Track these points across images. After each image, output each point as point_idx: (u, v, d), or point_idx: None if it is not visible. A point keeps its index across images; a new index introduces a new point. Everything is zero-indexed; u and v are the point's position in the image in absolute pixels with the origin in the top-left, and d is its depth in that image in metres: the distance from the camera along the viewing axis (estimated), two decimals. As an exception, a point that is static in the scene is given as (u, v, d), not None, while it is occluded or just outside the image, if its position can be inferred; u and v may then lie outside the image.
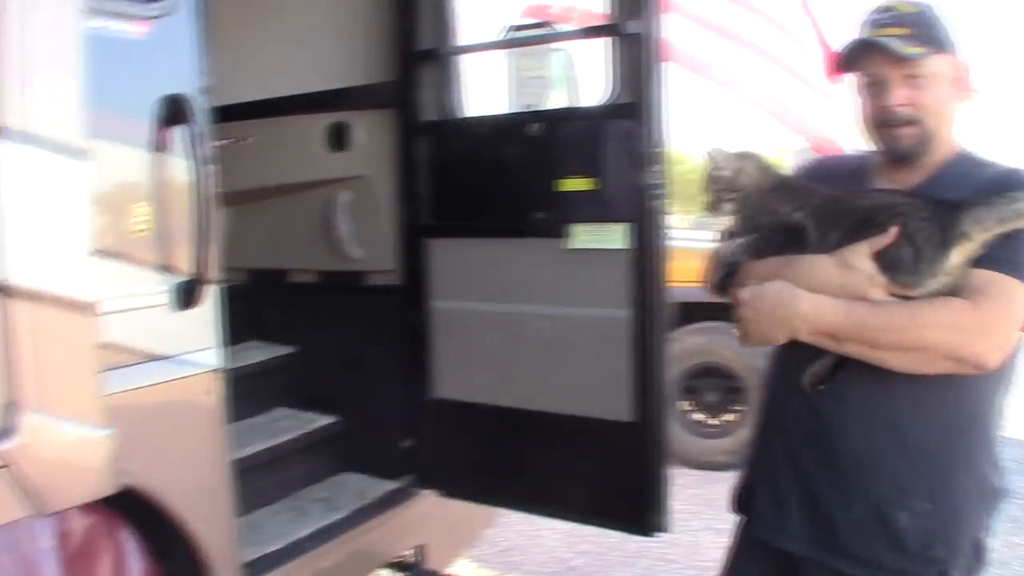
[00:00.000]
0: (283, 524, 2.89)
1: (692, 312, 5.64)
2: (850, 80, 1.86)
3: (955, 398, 1.77)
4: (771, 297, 1.70)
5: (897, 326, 1.64)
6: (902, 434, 1.76)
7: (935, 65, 1.75)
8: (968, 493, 1.79)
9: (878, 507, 1.78)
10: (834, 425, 1.81)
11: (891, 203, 1.70)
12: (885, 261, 1.66)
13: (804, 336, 1.70)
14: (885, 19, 1.78)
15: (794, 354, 1.78)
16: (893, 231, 1.65)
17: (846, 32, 1.87)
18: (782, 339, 1.72)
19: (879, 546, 1.78)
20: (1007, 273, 1.64)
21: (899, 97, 1.76)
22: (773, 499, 1.92)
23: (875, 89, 1.79)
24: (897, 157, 1.81)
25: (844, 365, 1.76)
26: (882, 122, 1.79)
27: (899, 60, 1.73)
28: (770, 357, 2.03)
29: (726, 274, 1.82)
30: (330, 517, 2.96)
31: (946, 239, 1.62)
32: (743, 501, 2.06)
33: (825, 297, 1.67)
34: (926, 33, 1.75)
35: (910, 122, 1.76)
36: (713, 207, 1.81)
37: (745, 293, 1.72)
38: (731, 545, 2.12)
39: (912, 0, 1.81)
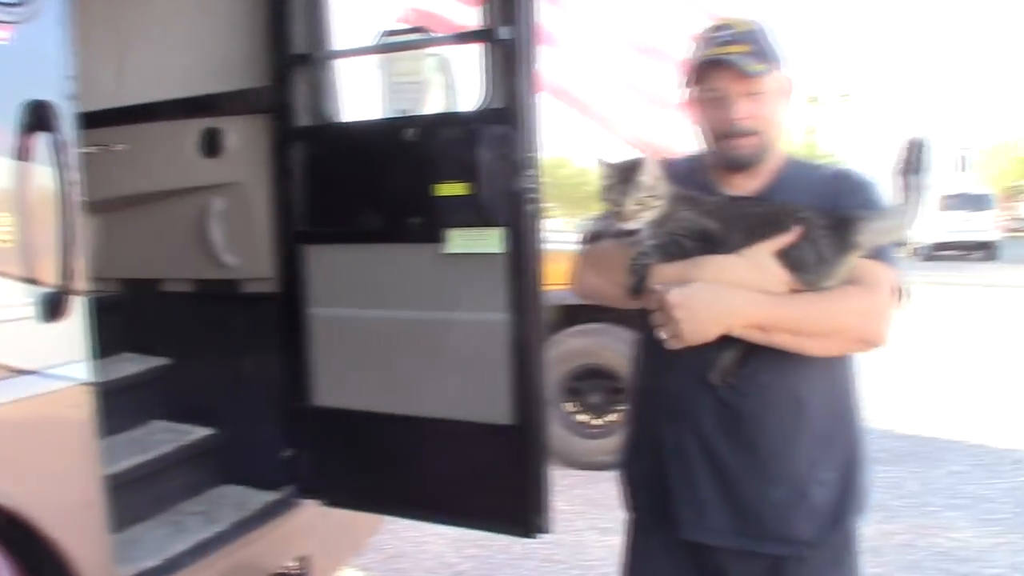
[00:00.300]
0: (160, 539, 2.83)
1: (575, 314, 5.71)
2: (690, 93, 1.97)
3: (838, 376, 1.95)
4: (705, 296, 1.74)
5: (819, 314, 1.77)
6: (807, 413, 1.90)
7: (772, 80, 1.89)
8: (856, 460, 1.96)
9: (795, 485, 1.89)
10: (751, 414, 1.90)
11: (792, 209, 1.81)
12: (788, 260, 1.76)
13: (737, 330, 1.77)
14: (726, 37, 1.88)
15: (695, 352, 1.81)
16: (795, 232, 1.76)
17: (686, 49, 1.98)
18: (715, 335, 1.76)
19: (800, 522, 1.90)
20: (881, 261, 1.81)
21: (742, 111, 1.87)
22: (690, 497, 1.96)
23: (719, 103, 1.90)
24: (738, 166, 1.93)
25: (747, 357, 1.84)
26: (725, 133, 1.90)
27: (743, 77, 1.85)
28: (648, 360, 2.07)
29: (640, 279, 1.84)
30: (209, 530, 2.90)
31: (844, 246, 1.76)
32: (649, 504, 2.09)
33: (753, 292, 1.75)
34: (763, 50, 1.88)
35: (751, 134, 1.89)
36: (631, 215, 1.81)
37: (676, 295, 1.74)
38: (632, 545, 2.16)
39: (746, 18, 1.95)
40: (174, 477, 3.16)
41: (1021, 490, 5.42)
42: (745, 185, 1.95)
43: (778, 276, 1.76)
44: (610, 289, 1.93)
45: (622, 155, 1.88)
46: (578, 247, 2.07)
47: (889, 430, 6.80)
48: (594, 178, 1.89)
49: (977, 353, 10.20)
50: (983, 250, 26.40)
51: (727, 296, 1.75)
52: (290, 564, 3.11)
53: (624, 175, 1.81)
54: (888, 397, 7.67)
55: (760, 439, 1.90)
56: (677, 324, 1.74)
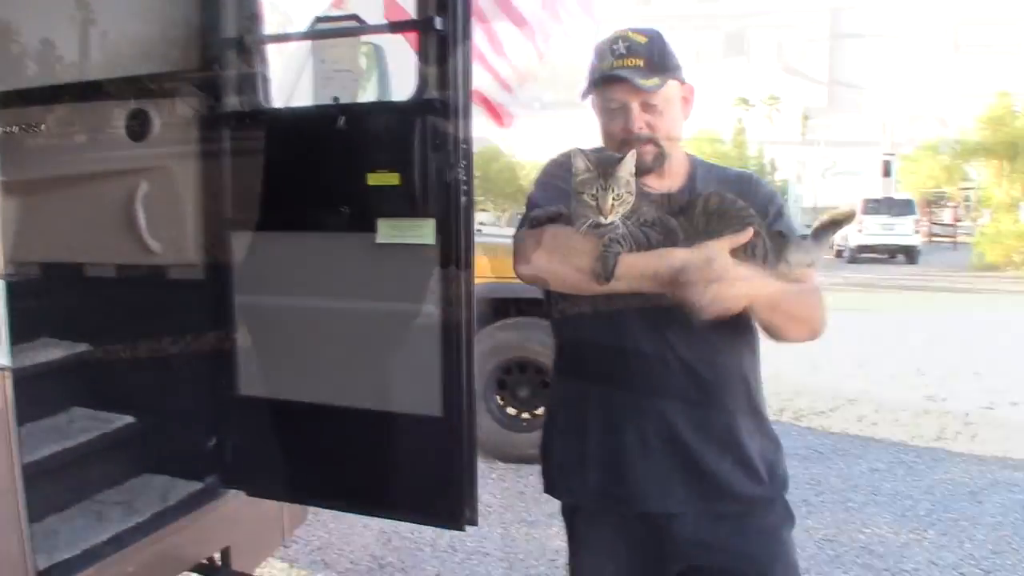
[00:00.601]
0: (80, 530, 2.76)
1: (504, 307, 5.72)
2: (591, 102, 2.08)
3: (757, 356, 2.15)
4: (741, 270, 1.85)
5: (802, 301, 1.98)
6: (748, 387, 2.11)
7: (667, 91, 2.00)
8: (767, 423, 2.17)
9: (740, 451, 2.07)
10: (712, 391, 2.04)
11: (745, 211, 1.92)
12: (738, 258, 1.87)
13: (756, 303, 1.90)
14: (621, 50, 2.00)
15: (655, 335, 1.97)
16: (748, 232, 1.88)
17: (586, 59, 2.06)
18: (742, 306, 1.87)
19: (746, 481, 2.07)
20: None
21: (639, 122, 1.99)
22: (652, 471, 2.05)
23: (616, 113, 2.01)
24: (640, 171, 1.98)
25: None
26: (625, 141, 1.99)
27: (638, 90, 1.96)
28: (595, 346, 2.10)
29: (612, 267, 1.87)
30: (130, 521, 2.84)
31: (779, 257, 1.91)
32: (596, 485, 2.12)
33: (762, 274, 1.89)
34: (658, 62, 2.00)
35: (648, 141, 2.00)
36: (611, 211, 1.84)
37: (722, 265, 1.82)
38: (573, 535, 2.23)
39: (642, 29, 2.05)
40: (95, 466, 3.09)
41: (939, 488, 5.55)
42: (660, 184, 2.05)
43: (729, 271, 1.86)
44: (570, 274, 1.96)
45: (599, 148, 1.96)
46: (525, 230, 2.07)
47: (811, 427, 6.95)
48: (529, 172, 1.92)
49: (899, 353, 10.42)
50: (905, 254, 27.04)
51: (756, 273, 1.88)
52: (213, 555, 3.08)
53: (604, 170, 1.86)
54: (811, 395, 7.82)
55: (716, 412, 2.04)
56: (723, 288, 1.80)
